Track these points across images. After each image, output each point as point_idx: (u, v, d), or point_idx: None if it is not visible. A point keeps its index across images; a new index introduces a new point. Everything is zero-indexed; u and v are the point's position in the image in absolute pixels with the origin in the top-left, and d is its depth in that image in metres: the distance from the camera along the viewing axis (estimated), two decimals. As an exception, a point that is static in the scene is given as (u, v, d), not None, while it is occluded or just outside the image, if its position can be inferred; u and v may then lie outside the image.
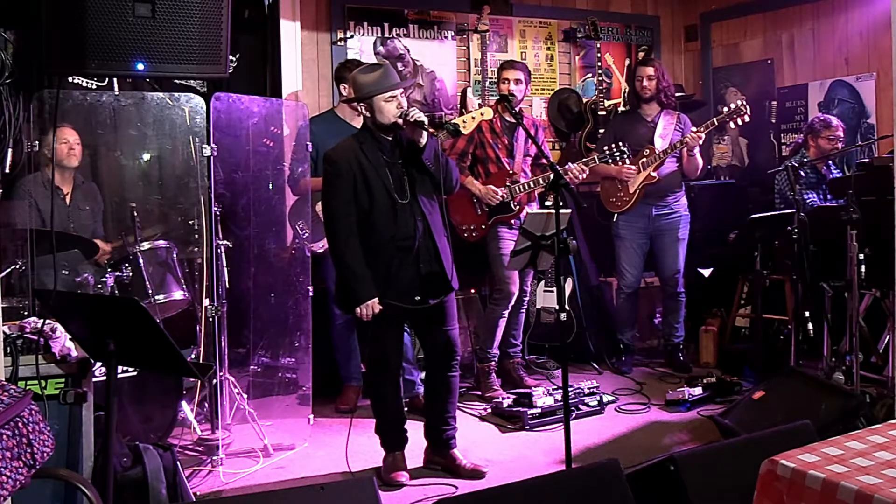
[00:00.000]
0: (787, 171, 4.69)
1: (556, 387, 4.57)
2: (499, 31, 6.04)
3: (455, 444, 3.77)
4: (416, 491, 3.55)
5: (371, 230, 3.49)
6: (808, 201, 4.88)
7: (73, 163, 4.34)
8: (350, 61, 4.86)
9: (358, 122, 4.68)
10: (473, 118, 4.62)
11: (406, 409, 3.82)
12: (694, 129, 5.03)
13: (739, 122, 4.98)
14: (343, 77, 4.67)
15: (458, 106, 5.75)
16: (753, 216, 4.91)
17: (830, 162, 5.21)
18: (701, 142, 4.99)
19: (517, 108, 4.86)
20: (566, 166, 4.65)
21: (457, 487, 3.55)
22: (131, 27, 2.98)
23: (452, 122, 4.75)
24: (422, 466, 3.80)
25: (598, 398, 4.52)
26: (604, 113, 5.90)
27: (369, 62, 4.76)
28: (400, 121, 3.47)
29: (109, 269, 3.98)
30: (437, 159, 3.51)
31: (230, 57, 3.32)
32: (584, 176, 4.71)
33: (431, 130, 3.46)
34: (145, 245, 4.05)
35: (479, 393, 4.87)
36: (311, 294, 4.24)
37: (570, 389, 3.38)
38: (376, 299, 3.44)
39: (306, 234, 4.52)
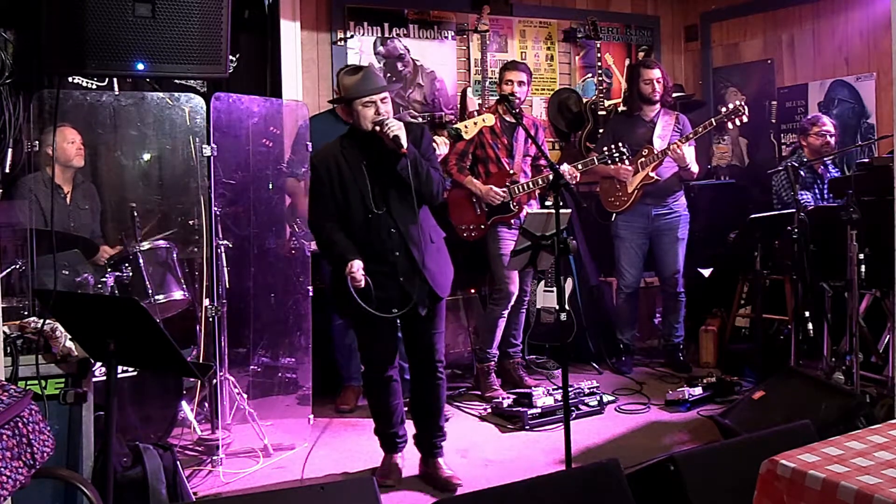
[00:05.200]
0: (786, 172, 4.70)
1: (556, 387, 4.57)
2: (499, 31, 6.04)
3: (441, 454, 3.68)
4: (415, 491, 3.55)
5: (350, 232, 3.42)
6: (801, 200, 4.87)
7: (81, 162, 4.39)
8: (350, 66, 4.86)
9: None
10: (475, 124, 4.63)
11: (406, 409, 3.81)
12: (677, 141, 5.01)
13: (738, 123, 4.98)
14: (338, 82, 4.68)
15: (458, 106, 5.75)
16: (753, 216, 4.92)
17: (829, 161, 5.21)
18: (688, 154, 4.97)
19: (517, 109, 4.87)
20: (559, 168, 4.64)
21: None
22: (131, 27, 2.98)
23: (454, 126, 4.78)
24: (417, 475, 3.72)
25: (598, 398, 4.52)
26: (604, 113, 5.90)
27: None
28: (377, 129, 3.34)
29: (109, 269, 3.98)
30: (417, 169, 3.33)
31: (230, 57, 3.31)
32: (577, 178, 4.69)
33: (403, 150, 3.27)
34: (145, 245, 4.05)
35: (479, 393, 4.87)
36: (311, 294, 4.23)
37: (570, 389, 3.37)
38: (356, 261, 3.30)
39: (304, 233, 4.53)
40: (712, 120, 5.01)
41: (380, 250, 3.40)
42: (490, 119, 4.70)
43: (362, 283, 3.30)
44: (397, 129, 3.29)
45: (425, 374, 3.63)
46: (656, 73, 5.21)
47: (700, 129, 4.99)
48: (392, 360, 3.65)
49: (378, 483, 3.52)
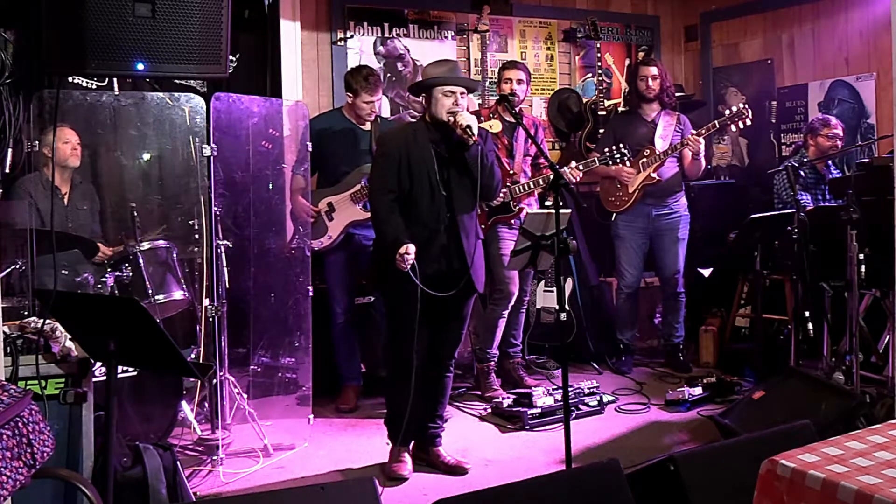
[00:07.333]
0: (786, 171, 4.70)
1: (556, 387, 4.57)
2: (499, 31, 6.04)
3: (440, 442, 3.81)
4: (415, 490, 3.56)
5: (409, 210, 3.56)
6: (800, 201, 4.87)
7: (76, 163, 4.37)
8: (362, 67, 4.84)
9: (363, 125, 4.70)
10: None
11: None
12: (693, 132, 5.02)
13: (741, 126, 4.98)
14: (348, 83, 4.67)
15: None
16: (753, 216, 4.91)
17: (830, 162, 5.21)
18: (702, 145, 4.98)
19: (517, 108, 4.86)
20: (560, 170, 4.64)
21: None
22: (131, 27, 2.98)
23: None
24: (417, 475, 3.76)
25: (598, 398, 4.52)
26: (604, 113, 5.90)
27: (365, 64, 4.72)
28: (451, 119, 3.53)
29: (109, 269, 3.98)
30: (483, 164, 3.54)
31: (230, 57, 3.31)
32: (579, 179, 4.70)
33: (475, 138, 3.49)
34: (145, 245, 4.06)
35: (479, 393, 4.87)
36: (311, 294, 4.23)
37: (570, 389, 3.38)
38: (410, 244, 3.44)
39: (305, 232, 4.52)
40: (715, 122, 5.01)
41: (433, 230, 3.55)
42: (497, 125, 4.71)
43: (408, 267, 3.43)
44: (470, 120, 3.51)
45: (437, 367, 3.73)
46: (652, 70, 5.22)
47: (703, 131, 4.99)
48: (425, 357, 3.69)
49: (388, 476, 3.58)
